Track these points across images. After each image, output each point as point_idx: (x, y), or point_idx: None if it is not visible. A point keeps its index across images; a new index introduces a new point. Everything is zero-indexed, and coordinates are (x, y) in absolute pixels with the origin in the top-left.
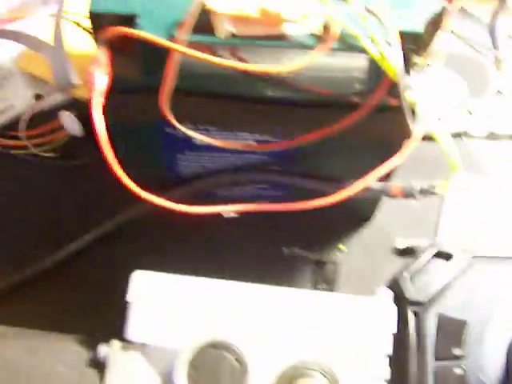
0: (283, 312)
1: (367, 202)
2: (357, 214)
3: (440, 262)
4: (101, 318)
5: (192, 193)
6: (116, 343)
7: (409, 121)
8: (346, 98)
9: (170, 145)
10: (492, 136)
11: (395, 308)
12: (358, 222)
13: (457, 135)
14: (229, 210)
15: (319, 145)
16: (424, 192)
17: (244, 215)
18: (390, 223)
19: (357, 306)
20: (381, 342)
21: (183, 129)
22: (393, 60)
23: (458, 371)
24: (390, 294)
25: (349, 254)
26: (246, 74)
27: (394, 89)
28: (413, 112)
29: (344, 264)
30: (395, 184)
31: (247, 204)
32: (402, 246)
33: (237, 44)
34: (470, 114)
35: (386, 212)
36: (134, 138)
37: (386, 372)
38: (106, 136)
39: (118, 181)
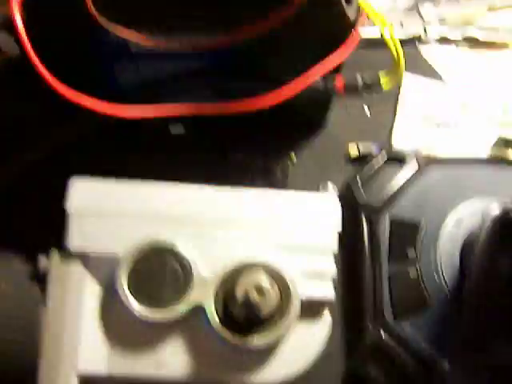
0: (226, 211)
1: (317, 107)
2: (308, 121)
3: (393, 166)
4: (42, 231)
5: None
6: (56, 254)
7: (348, 12)
8: None
9: (107, 54)
10: (444, 40)
11: (339, 202)
12: (310, 129)
13: (410, 40)
14: (170, 111)
15: (258, 43)
16: (367, 87)
17: (188, 130)
18: (343, 131)
19: (301, 201)
20: (327, 236)
21: (116, 31)
22: None
23: (412, 273)
24: (334, 188)
25: (300, 161)
26: None
27: None
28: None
29: (294, 172)
30: (338, 79)
31: (189, 105)
32: (354, 152)
33: None
34: (423, 19)
35: (339, 120)
36: (70, 49)
37: (332, 269)
38: (24, 31)
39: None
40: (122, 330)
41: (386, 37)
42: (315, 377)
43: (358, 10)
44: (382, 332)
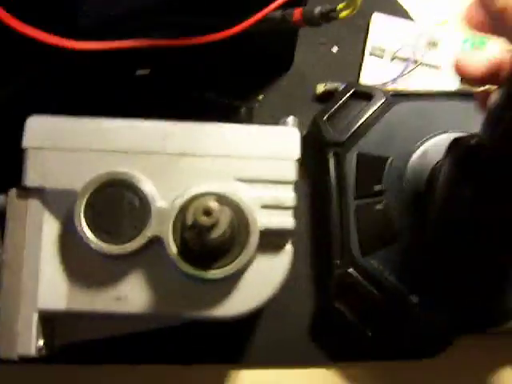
0: (184, 144)
1: (284, 46)
2: (274, 61)
3: (360, 102)
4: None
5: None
6: (13, 191)
7: None
8: None
9: None
10: None
11: (298, 133)
12: (277, 70)
13: None
14: (126, 45)
15: None
16: (324, 16)
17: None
18: (312, 70)
19: (259, 134)
20: (286, 168)
21: None
22: None
23: (378, 206)
24: (295, 120)
25: (267, 101)
26: None
27: None
28: None
29: (262, 112)
30: (296, 11)
31: (144, 40)
32: (321, 90)
33: None
34: None
35: (306, 60)
36: None
37: (291, 198)
38: None
39: None
40: (82, 265)
41: None
42: (285, 312)
43: None
44: (349, 268)
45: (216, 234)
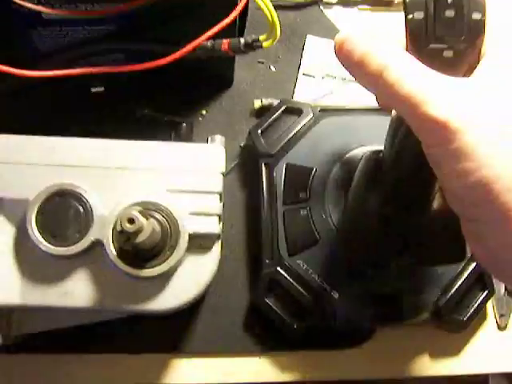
0: (123, 160)
1: (224, 66)
2: (216, 79)
3: (291, 117)
4: None
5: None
6: None
7: None
8: None
9: (21, 21)
10: (345, 2)
11: (223, 150)
12: (218, 87)
13: (313, 2)
14: (75, 72)
15: (152, 9)
16: (248, 46)
17: (108, 89)
18: (250, 88)
19: (191, 151)
20: (211, 180)
21: (22, 2)
22: None
23: (303, 212)
24: (221, 139)
25: (209, 116)
26: None
27: None
28: None
29: (205, 126)
30: (224, 42)
31: (100, 67)
32: (258, 106)
33: None
34: None
35: (246, 78)
36: None
37: (216, 207)
38: None
39: None
40: (33, 265)
41: (261, 4)
42: (223, 306)
43: None
44: (277, 267)
45: (141, 238)
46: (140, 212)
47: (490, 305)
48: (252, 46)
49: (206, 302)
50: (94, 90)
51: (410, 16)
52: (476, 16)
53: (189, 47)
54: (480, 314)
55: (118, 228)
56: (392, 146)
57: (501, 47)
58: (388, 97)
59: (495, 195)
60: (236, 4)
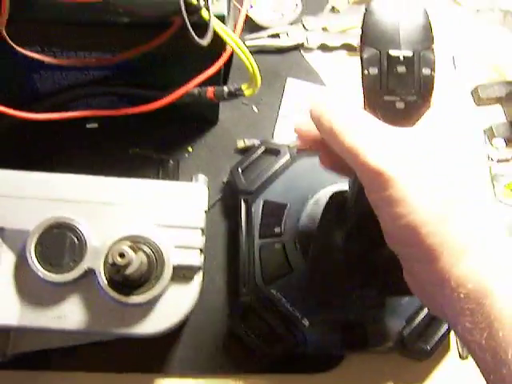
0: (115, 196)
1: (209, 108)
2: (203, 119)
3: (269, 157)
4: None
5: (50, 106)
6: None
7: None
8: (164, 17)
9: (25, 65)
10: (325, 47)
11: (206, 189)
12: (204, 126)
13: (295, 47)
14: (72, 115)
15: (146, 58)
16: (231, 94)
17: (102, 125)
18: (234, 127)
19: (176, 189)
20: (195, 216)
21: (26, 52)
22: None
23: (277, 245)
24: (205, 178)
25: (195, 153)
26: (79, 3)
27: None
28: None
29: (190, 163)
30: (209, 89)
31: (94, 110)
32: (241, 145)
33: None
34: (306, 28)
35: (230, 117)
36: None
37: (199, 241)
38: None
39: None
40: (31, 290)
41: (241, 55)
42: (203, 333)
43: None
44: (253, 295)
45: (130, 270)
46: (130, 246)
47: (452, 335)
48: (235, 94)
49: (188, 326)
50: (88, 125)
51: (366, 71)
52: (426, 72)
53: (178, 93)
54: (443, 344)
55: (110, 261)
56: (353, 186)
57: (447, 100)
58: (337, 149)
59: (422, 238)
60: (221, 54)
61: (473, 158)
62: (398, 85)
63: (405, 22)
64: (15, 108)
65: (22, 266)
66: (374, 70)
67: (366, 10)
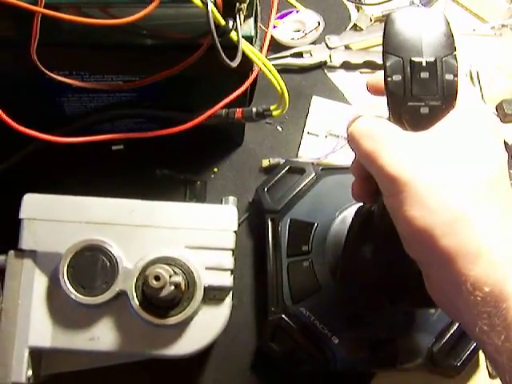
0: (146, 218)
1: (235, 129)
2: (228, 139)
3: (294, 176)
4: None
5: (78, 128)
6: (11, 252)
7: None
8: (193, 39)
9: (54, 90)
10: (348, 65)
11: (236, 210)
12: (230, 146)
13: (318, 66)
14: (99, 138)
15: (174, 80)
16: (260, 115)
17: (127, 147)
18: (258, 147)
19: (207, 211)
20: (225, 238)
21: (56, 76)
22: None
23: (305, 264)
24: (234, 200)
25: (220, 174)
26: (107, 27)
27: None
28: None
29: (217, 183)
30: (237, 111)
31: (122, 133)
32: (266, 164)
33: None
34: (329, 47)
35: (255, 137)
36: (23, 90)
37: (229, 263)
38: None
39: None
40: (63, 312)
41: (270, 76)
42: (231, 353)
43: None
44: (282, 314)
45: (164, 293)
46: (163, 269)
47: (482, 352)
48: (263, 115)
49: (216, 346)
50: (114, 147)
51: (390, 79)
52: (449, 77)
53: (206, 115)
54: (473, 361)
55: (143, 283)
56: (378, 200)
57: (469, 102)
58: (358, 155)
59: (437, 240)
60: (248, 75)
61: (490, 159)
62: (421, 90)
63: (426, 30)
64: (43, 131)
65: (54, 288)
66: (397, 77)
67: (386, 19)
